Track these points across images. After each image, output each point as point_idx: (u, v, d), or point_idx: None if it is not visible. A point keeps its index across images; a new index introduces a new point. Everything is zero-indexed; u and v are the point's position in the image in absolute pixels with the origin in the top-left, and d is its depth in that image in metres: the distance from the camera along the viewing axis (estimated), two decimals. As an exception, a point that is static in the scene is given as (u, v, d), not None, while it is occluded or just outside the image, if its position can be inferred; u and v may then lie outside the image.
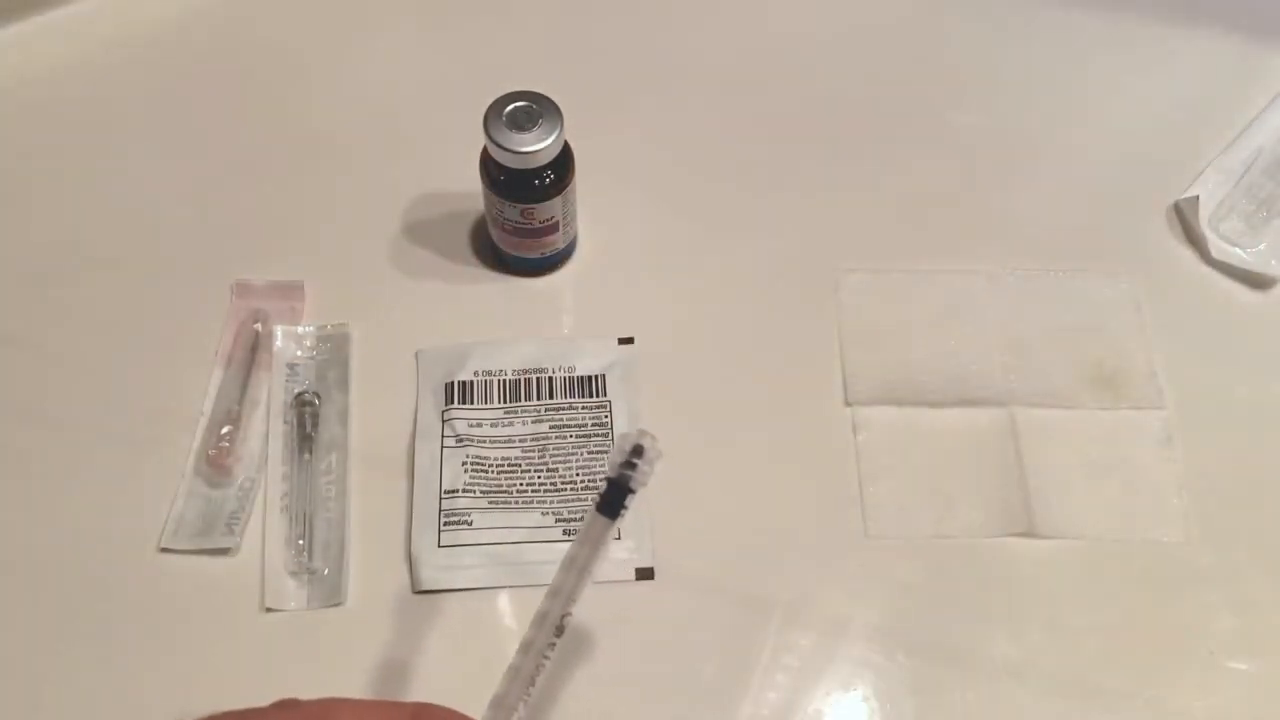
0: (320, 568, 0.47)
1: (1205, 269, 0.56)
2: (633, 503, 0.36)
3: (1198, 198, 0.57)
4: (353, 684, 0.45)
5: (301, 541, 0.47)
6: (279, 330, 0.52)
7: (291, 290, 0.54)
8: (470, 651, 0.46)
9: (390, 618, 0.46)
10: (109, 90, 0.61)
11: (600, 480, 0.38)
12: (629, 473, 0.36)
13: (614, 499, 0.36)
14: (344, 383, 0.52)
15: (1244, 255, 0.56)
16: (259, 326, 0.52)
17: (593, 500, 0.37)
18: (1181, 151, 0.60)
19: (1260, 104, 0.61)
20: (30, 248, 0.55)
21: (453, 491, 0.49)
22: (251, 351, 0.52)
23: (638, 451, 0.36)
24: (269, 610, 0.46)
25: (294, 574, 0.47)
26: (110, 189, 0.57)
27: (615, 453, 0.36)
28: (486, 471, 0.49)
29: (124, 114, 0.60)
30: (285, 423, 0.50)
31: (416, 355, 0.52)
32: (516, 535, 0.48)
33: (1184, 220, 0.58)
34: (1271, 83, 0.62)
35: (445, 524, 0.48)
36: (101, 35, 0.62)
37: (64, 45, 0.62)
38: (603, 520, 0.36)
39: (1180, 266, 0.57)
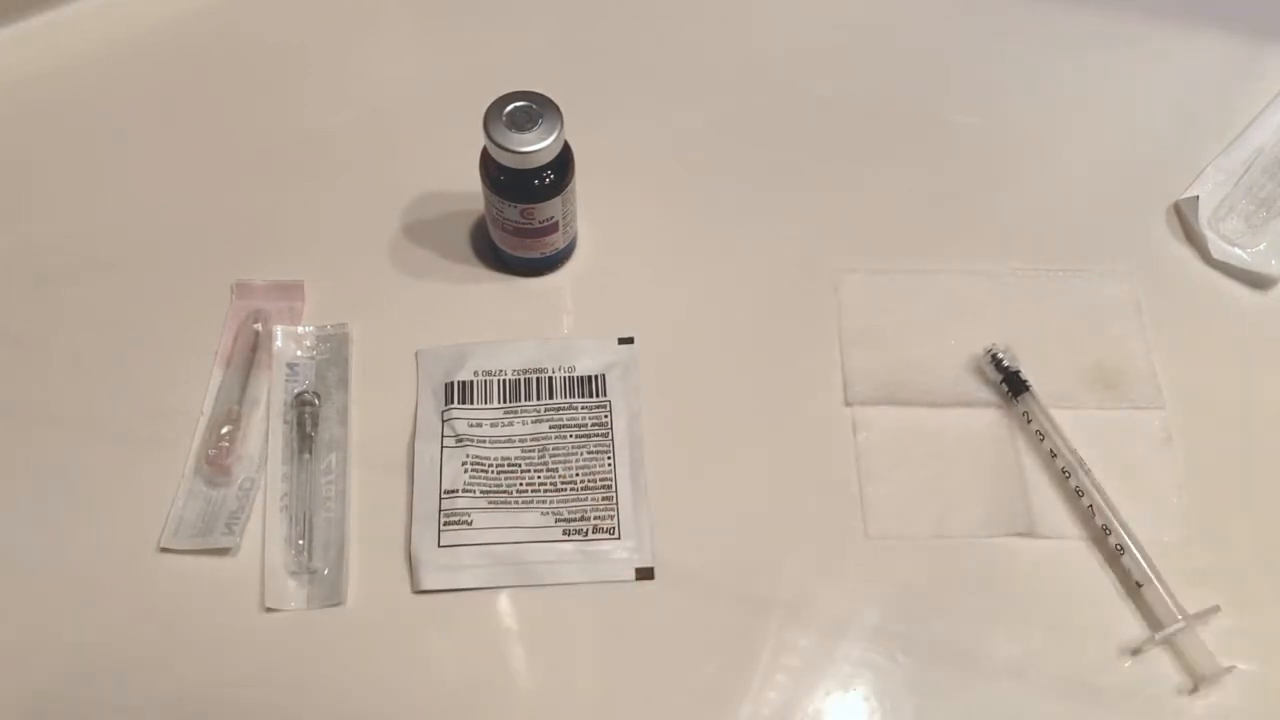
0: (320, 568, 0.47)
1: (1205, 269, 0.56)
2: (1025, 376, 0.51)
3: (1198, 198, 0.57)
4: (352, 684, 0.45)
5: (301, 541, 0.47)
6: (279, 330, 0.52)
7: (291, 290, 0.54)
8: (470, 651, 0.46)
9: (390, 618, 0.46)
10: (109, 90, 0.61)
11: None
12: (1004, 367, 0.51)
13: (1015, 384, 0.51)
14: (344, 382, 0.51)
15: (1244, 255, 0.56)
16: (259, 326, 0.52)
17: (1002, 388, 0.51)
18: (1181, 151, 0.60)
19: (1260, 104, 0.61)
20: (30, 248, 0.55)
21: (452, 491, 0.49)
22: (251, 351, 0.52)
23: (995, 358, 0.52)
24: (269, 610, 0.46)
25: (294, 574, 0.47)
26: (110, 189, 0.57)
27: (989, 369, 0.52)
28: (486, 471, 0.49)
29: (124, 114, 0.60)
30: (285, 422, 0.50)
31: (416, 355, 0.52)
32: (516, 535, 0.48)
33: (1184, 220, 0.58)
34: (1271, 83, 0.62)
35: (445, 524, 0.48)
36: (101, 35, 0.62)
37: (64, 45, 0.62)
38: (1023, 396, 0.51)
39: (1180, 266, 0.57)
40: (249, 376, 0.51)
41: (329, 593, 0.46)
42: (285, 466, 0.49)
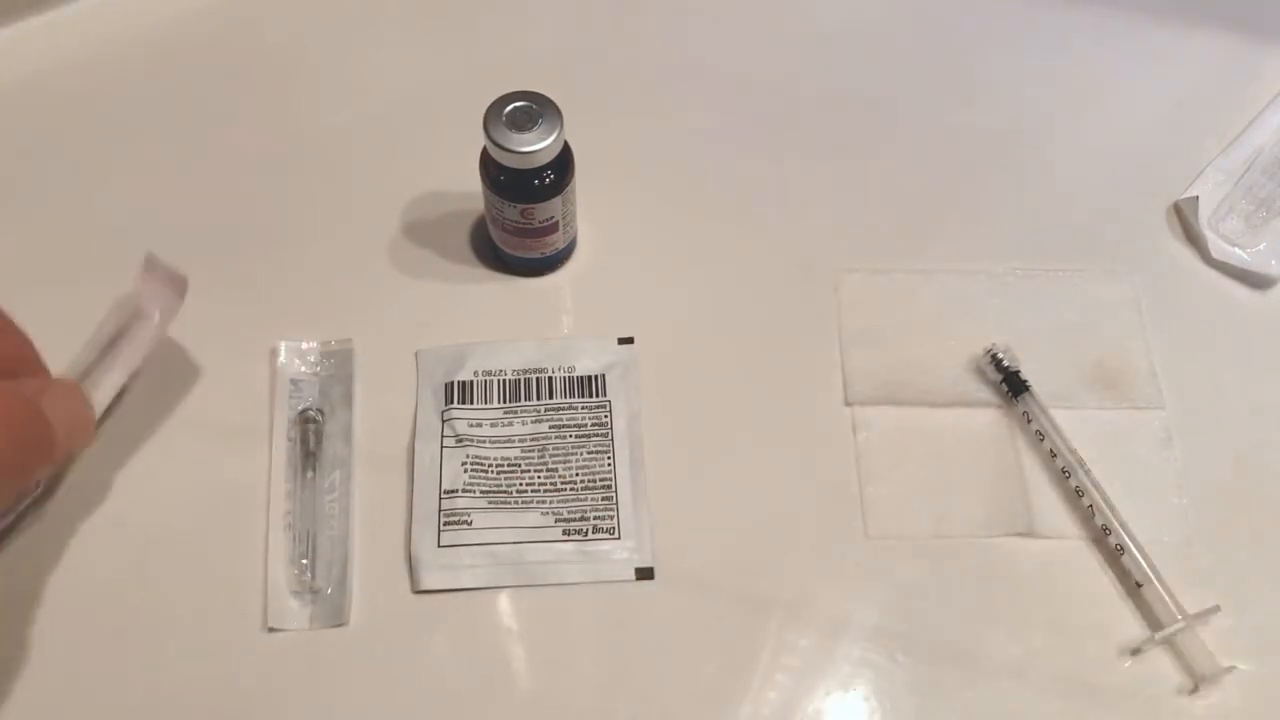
0: (323, 587, 0.47)
1: (1205, 269, 0.56)
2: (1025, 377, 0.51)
3: (1198, 198, 0.57)
4: (355, 699, 0.45)
5: (305, 561, 0.47)
6: (283, 346, 0.52)
7: (175, 280, 0.49)
8: (470, 651, 0.46)
9: (392, 628, 0.46)
10: (106, 91, 0.60)
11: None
12: (1004, 367, 0.51)
13: (1015, 384, 0.51)
14: (348, 399, 0.51)
15: (1244, 255, 0.56)
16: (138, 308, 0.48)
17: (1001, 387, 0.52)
18: (1181, 151, 0.60)
19: (1260, 104, 0.61)
20: (30, 248, 0.55)
21: (452, 491, 0.49)
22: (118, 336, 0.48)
23: (995, 358, 0.52)
24: (271, 630, 0.46)
25: (296, 593, 0.46)
26: (107, 189, 0.57)
27: (989, 369, 0.52)
28: (486, 471, 0.49)
29: (121, 115, 0.60)
30: (289, 439, 0.50)
31: (416, 355, 0.52)
32: (516, 535, 0.48)
33: (1184, 220, 0.58)
34: (1271, 83, 0.62)
35: (445, 524, 0.48)
36: (100, 36, 0.62)
37: (64, 45, 0.62)
38: (1023, 396, 0.51)
39: (1180, 266, 0.57)
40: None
41: (332, 613, 0.46)
42: (289, 484, 0.49)
